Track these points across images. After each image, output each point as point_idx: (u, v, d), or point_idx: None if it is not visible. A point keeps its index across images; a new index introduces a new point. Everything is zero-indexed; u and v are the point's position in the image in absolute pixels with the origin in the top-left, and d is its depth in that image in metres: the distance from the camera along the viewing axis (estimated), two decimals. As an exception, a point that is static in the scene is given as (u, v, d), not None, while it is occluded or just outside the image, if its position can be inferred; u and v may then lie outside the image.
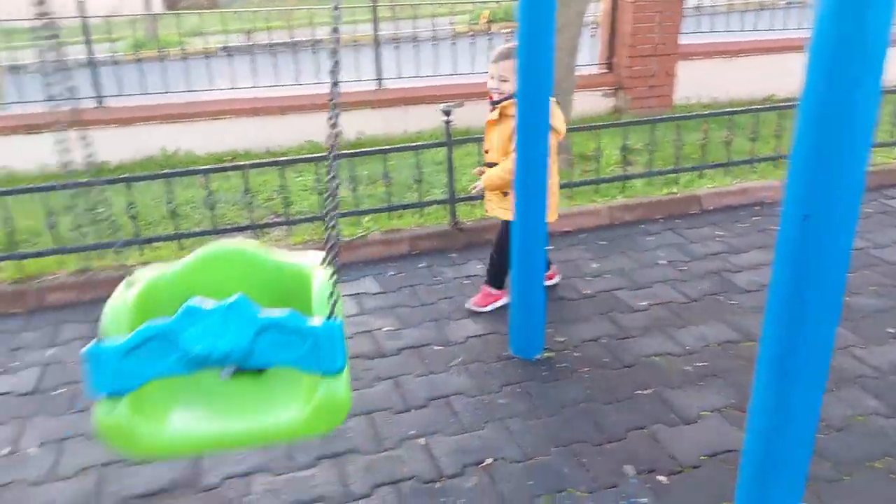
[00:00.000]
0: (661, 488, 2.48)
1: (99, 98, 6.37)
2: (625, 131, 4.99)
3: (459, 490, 2.51)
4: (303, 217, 4.56)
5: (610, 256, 4.29)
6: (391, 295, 3.95)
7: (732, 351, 3.30)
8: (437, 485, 2.54)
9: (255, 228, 4.44)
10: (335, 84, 1.68)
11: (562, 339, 3.41)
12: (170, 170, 5.28)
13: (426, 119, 6.80)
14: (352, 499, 2.50)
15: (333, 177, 1.71)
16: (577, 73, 5.65)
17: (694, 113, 5.41)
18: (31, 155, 6.09)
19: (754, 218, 4.77)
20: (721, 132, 5.34)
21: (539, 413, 2.90)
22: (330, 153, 1.70)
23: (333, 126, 1.69)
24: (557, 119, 3.30)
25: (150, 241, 4.28)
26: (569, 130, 4.94)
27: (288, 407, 1.70)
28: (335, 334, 1.61)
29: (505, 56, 3.31)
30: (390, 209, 4.62)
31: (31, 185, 4.42)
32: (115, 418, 1.60)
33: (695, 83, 7.45)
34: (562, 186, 4.79)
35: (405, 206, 4.68)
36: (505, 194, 3.45)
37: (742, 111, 5.32)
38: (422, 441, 2.77)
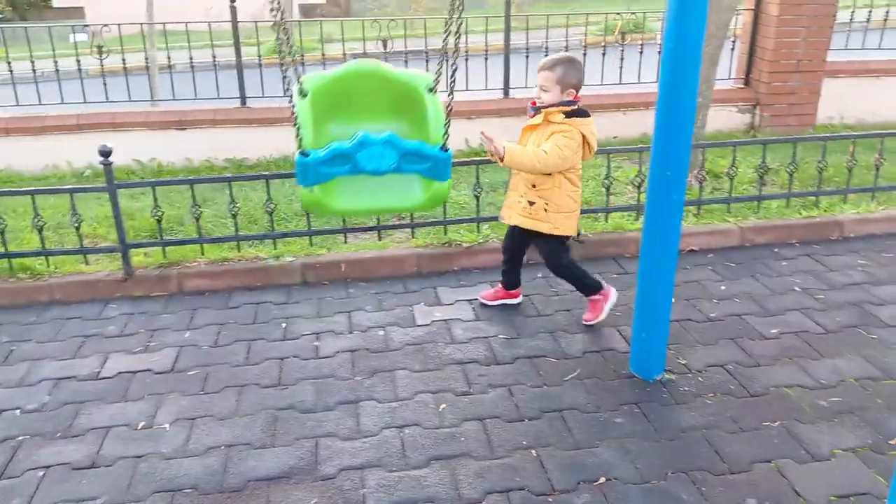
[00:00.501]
0: (786, 527, 2.35)
1: (242, 98, 6.73)
2: (762, 149, 4.76)
3: (571, 506, 2.47)
4: (425, 221, 4.61)
5: (740, 279, 4.10)
6: (508, 304, 3.95)
7: (871, 388, 3.08)
8: (549, 498, 2.51)
9: (380, 230, 4.56)
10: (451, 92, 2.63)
11: (684, 362, 3.30)
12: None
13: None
14: (463, 503, 2.51)
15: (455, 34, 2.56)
16: (713, 87, 5.46)
17: (842, 133, 5.09)
18: (179, 149, 6.52)
19: (902, 248, 4.44)
20: (868, 155, 5.01)
21: (657, 436, 2.81)
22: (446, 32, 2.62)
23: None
24: (594, 137, 3.41)
25: (284, 235, 4.47)
26: (703, 146, 4.80)
27: (412, 191, 2.76)
28: (448, 160, 2.64)
29: (547, 67, 3.33)
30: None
31: (179, 178, 4.72)
32: (314, 197, 2.61)
33: (839, 102, 7.02)
34: (691, 203, 4.66)
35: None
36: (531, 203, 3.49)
37: (893, 133, 4.97)
38: (534, 452, 2.75)
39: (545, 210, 3.46)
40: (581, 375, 3.24)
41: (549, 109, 3.35)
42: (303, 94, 2.65)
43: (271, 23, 2.52)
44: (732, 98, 6.91)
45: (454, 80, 2.61)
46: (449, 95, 2.64)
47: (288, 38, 2.58)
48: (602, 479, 2.59)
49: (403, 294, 4.10)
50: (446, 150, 2.62)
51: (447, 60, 2.64)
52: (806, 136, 5.18)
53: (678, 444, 2.76)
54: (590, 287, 3.65)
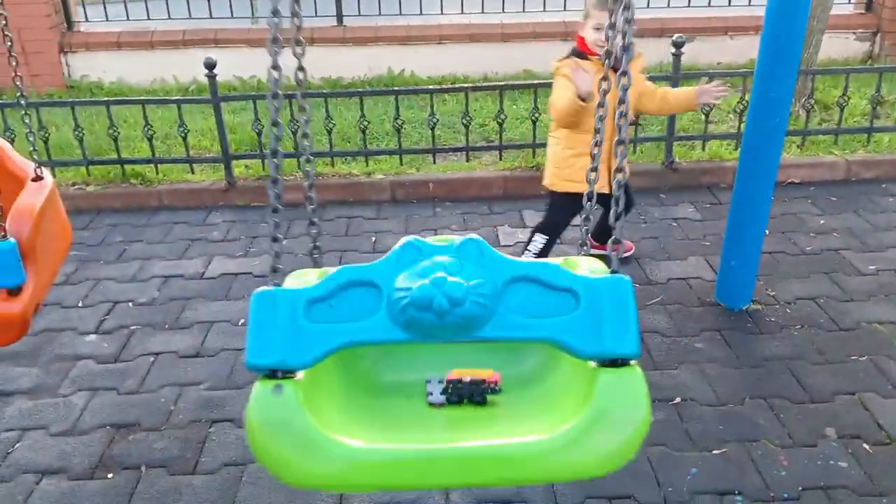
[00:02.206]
0: (864, 456, 2.34)
1: (339, 17, 6.78)
2: (878, 78, 4.47)
3: (645, 422, 2.52)
4: (513, 143, 4.62)
5: (841, 214, 3.94)
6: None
7: (972, 330, 2.95)
8: (623, 413, 2.57)
9: (469, 150, 4.59)
10: None
11: (773, 293, 3.24)
12: (397, 88, 5.56)
13: (651, 52, 6.52)
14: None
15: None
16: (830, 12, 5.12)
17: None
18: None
19: None
20: None
21: (738, 363, 2.81)
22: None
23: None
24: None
25: (376, 153, 4.57)
26: (813, 72, 4.56)
27: (545, 418, 1.16)
28: (622, 293, 1.06)
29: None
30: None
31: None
32: (280, 411, 1.09)
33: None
34: (795, 133, 4.46)
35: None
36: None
37: None
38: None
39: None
40: (664, 301, 3.24)
41: (635, 62, 3.00)
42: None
43: None
44: (851, 24, 6.46)
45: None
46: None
47: None
48: (678, 399, 2.62)
49: (489, 215, 4.15)
50: (615, 272, 1.19)
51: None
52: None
53: (759, 371, 2.75)
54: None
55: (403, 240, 1.17)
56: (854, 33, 6.50)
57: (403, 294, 1.07)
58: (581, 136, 2.92)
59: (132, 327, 3.18)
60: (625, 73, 1.33)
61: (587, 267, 1.23)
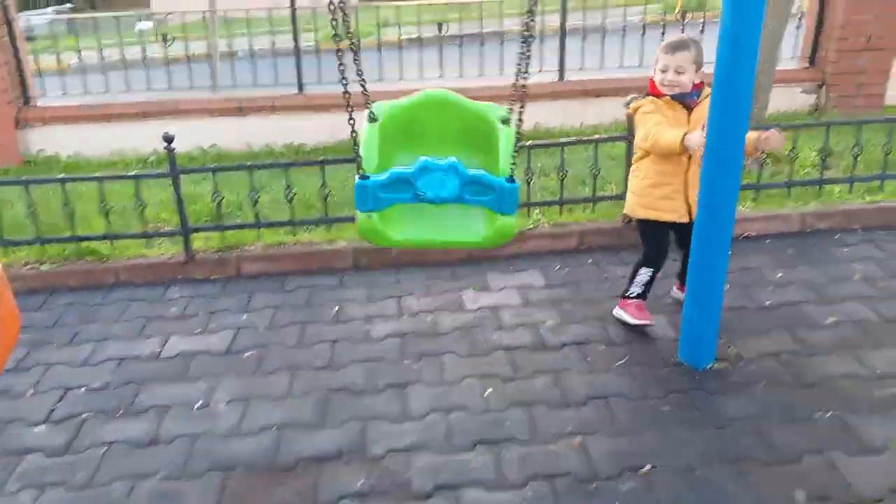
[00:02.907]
0: (835, 520, 2.31)
1: (300, 85, 6.85)
2: (826, 132, 4.60)
3: (615, 493, 2.48)
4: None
5: (798, 266, 4.00)
6: (556, 289, 3.95)
7: (932, 381, 2.98)
8: (593, 485, 2.52)
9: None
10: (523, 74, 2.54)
11: (735, 351, 3.24)
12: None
13: (605, 112, 6.69)
14: (506, 487, 2.54)
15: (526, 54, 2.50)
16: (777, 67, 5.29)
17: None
18: (238, 135, 6.69)
19: (973, 235, 4.25)
20: (940, 137, 4.77)
21: (705, 425, 2.79)
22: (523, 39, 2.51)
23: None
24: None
25: (338, 220, 4.54)
26: (763, 128, 4.66)
27: (476, 226, 2.56)
28: (515, 191, 2.44)
29: (683, 46, 3.18)
30: (562, 202, 4.60)
31: (239, 163, 4.85)
32: (371, 224, 2.47)
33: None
34: (749, 187, 4.55)
35: (577, 201, 4.64)
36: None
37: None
38: (578, 439, 2.76)
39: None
40: (629, 363, 3.22)
41: (701, 99, 3.23)
42: (372, 119, 2.58)
43: (328, 5, 2.34)
44: (797, 78, 6.69)
45: (523, 108, 2.51)
46: (518, 124, 2.53)
47: (345, 21, 2.50)
48: (647, 467, 2.58)
49: (452, 280, 4.13)
50: (513, 182, 2.45)
51: (517, 89, 2.51)
52: (872, 117, 4.98)
53: (726, 432, 2.73)
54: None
55: (421, 159, 2.39)
56: (800, 86, 6.72)
57: (422, 193, 2.40)
58: (658, 167, 3.29)
59: (84, 415, 3.07)
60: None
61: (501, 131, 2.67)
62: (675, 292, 3.70)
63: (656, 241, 3.45)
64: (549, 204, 4.61)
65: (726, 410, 2.86)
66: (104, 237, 4.40)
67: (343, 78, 2.49)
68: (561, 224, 4.49)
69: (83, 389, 3.25)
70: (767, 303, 3.65)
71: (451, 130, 2.67)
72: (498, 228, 2.50)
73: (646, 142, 3.22)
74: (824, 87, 6.68)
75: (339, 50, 2.44)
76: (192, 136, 6.54)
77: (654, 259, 3.46)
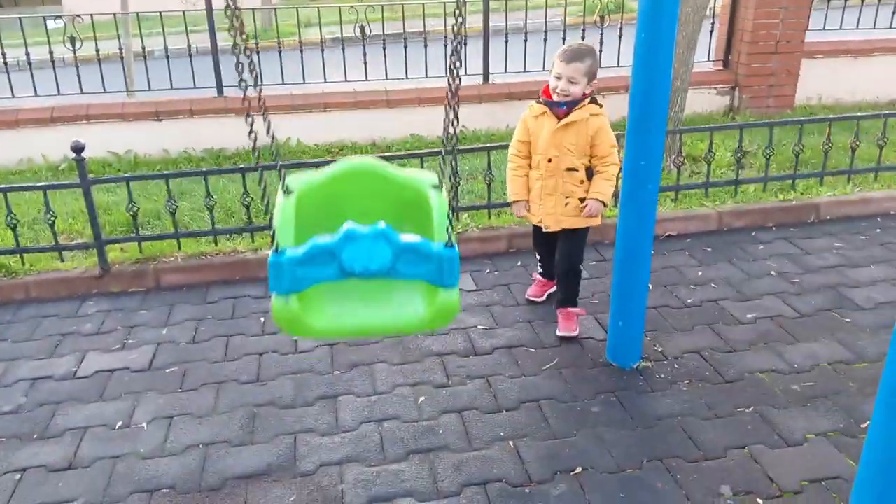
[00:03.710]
0: (759, 513, 2.39)
1: (219, 88, 6.66)
2: (741, 133, 4.77)
3: (548, 497, 2.49)
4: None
5: (716, 264, 4.13)
6: (486, 293, 3.96)
7: (844, 372, 3.12)
8: (526, 489, 2.53)
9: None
10: (455, 77, 2.04)
11: (660, 349, 3.32)
12: (281, 160, 5.48)
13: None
14: (440, 496, 2.52)
15: (453, 117, 2.05)
16: (692, 70, 5.45)
17: (819, 116, 5.11)
18: (155, 140, 6.46)
19: (876, 230, 4.48)
20: (845, 137, 5.03)
21: (633, 424, 2.84)
22: (450, 93, 2.04)
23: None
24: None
25: (261, 228, 4.44)
26: (680, 131, 4.80)
27: (412, 306, 2.19)
28: (454, 259, 2.06)
29: (578, 57, 3.17)
30: (489, 207, 4.62)
31: (155, 172, 4.67)
32: (287, 310, 2.05)
33: (818, 83, 7.05)
34: (668, 188, 4.67)
35: (505, 204, 4.66)
36: (581, 200, 3.33)
37: (870, 116, 5.00)
38: (511, 444, 2.77)
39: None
40: (559, 365, 3.26)
41: (586, 105, 3.24)
42: (287, 191, 2.22)
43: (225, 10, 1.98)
44: (711, 80, 6.92)
45: (456, 164, 2.25)
46: (455, 90, 2.08)
47: (239, 21, 1.97)
48: (578, 469, 2.61)
49: (382, 285, 4.09)
50: (452, 247, 2.07)
51: (445, 144, 2.17)
52: (782, 119, 5.19)
53: (653, 431, 2.79)
54: (576, 297, 3.53)
55: (345, 226, 1.97)
56: (715, 88, 6.95)
57: (347, 266, 1.97)
58: (530, 173, 3.41)
59: (-6, 440, 2.90)
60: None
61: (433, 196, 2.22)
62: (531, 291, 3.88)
63: (535, 236, 3.67)
64: (478, 208, 4.62)
65: (653, 409, 2.92)
66: (12, 251, 4.17)
67: (242, 80, 2.03)
68: (490, 227, 4.51)
69: (-8, 414, 3.08)
70: (689, 301, 3.75)
71: (377, 204, 2.29)
72: (440, 306, 2.12)
73: (508, 157, 3.47)
74: (737, 89, 6.93)
75: (234, 50, 1.95)
76: (106, 141, 6.29)
77: (536, 247, 3.78)
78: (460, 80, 2.03)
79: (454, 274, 2.09)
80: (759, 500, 2.43)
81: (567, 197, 3.31)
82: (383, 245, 2.01)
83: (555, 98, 3.24)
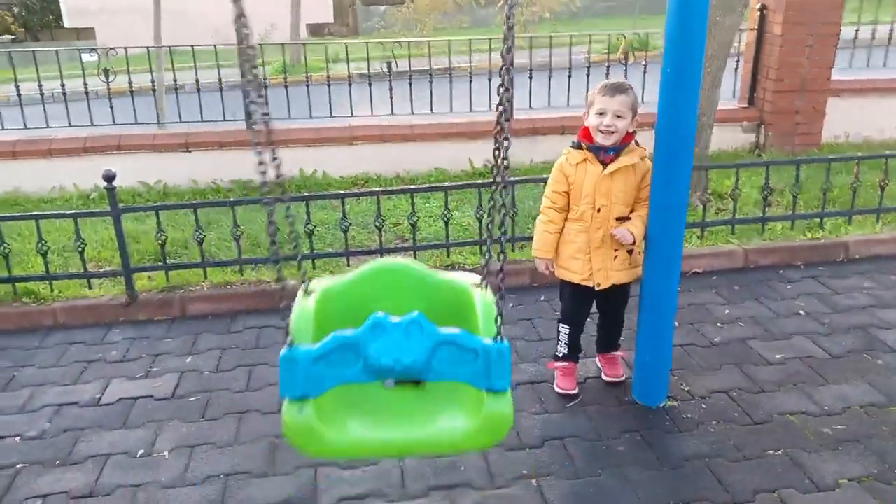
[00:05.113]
0: (790, 560, 2.32)
1: (248, 120, 6.76)
2: (767, 170, 4.74)
3: (571, 538, 2.44)
4: (427, 244, 4.62)
5: (744, 303, 4.07)
6: (509, 327, 3.90)
7: (876, 416, 3.04)
8: (549, 530, 2.49)
9: (383, 251, 4.55)
10: (503, 112, 1.73)
11: (687, 389, 3.27)
12: (307, 191, 5.55)
13: (552, 150, 6.76)
14: (461, 534, 2.48)
15: (501, 204, 1.83)
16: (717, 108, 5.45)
17: (846, 154, 5.07)
18: (185, 171, 6.56)
19: (908, 270, 4.41)
20: (874, 175, 4.97)
21: (660, 464, 2.78)
22: (494, 178, 1.79)
23: (499, 153, 1.77)
24: None
25: (286, 259, 4.45)
26: (706, 167, 4.79)
27: (453, 418, 1.80)
28: (505, 354, 1.71)
29: (622, 90, 2.97)
30: (513, 240, 4.61)
31: (183, 202, 4.73)
32: (303, 420, 1.69)
33: (845, 121, 7.00)
34: (694, 225, 4.64)
35: (529, 238, 4.65)
36: (630, 252, 3.12)
37: (899, 154, 4.94)
38: (534, 482, 2.72)
39: (639, 253, 3.12)
40: (583, 402, 3.21)
41: (637, 148, 3.06)
42: (307, 292, 1.96)
43: (237, 43, 1.68)
44: (737, 117, 6.90)
45: (503, 239, 1.84)
46: (502, 122, 1.76)
47: (252, 59, 1.71)
48: (603, 510, 2.56)
49: (406, 318, 4.08)
50: (502, 342, 1.72)
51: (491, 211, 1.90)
52: (810, 157, 5.16)
53: (681, 473, 2.73)
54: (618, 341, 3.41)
55: (372, 317, 1.69)
56: (740, 125, 6.93)
57: (375, 362, 1.66)
58: (569, 223, 3.14)
59: (18, 466, 2.91)
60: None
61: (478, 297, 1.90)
62: (597, 361, 3.47)
63: (570, 300, 3.26)
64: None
65: (681, 450, 2.86)
66: (42, 278, 4.23)
67: (250, 115, 1.86)
68: (513, 261, 4.50)
69: (17, 438, 3.09)
70: (716, 339, 3.70)
71: (410, 306, 1.83)
72: (488, 416, 1.73)
73: (541, 209, 3.20)
74: (763, 126, 6.90)
75: (245, 86, 1.77)
76: (137, 171, 6.39)
77: (568, 317, 3.29)
78: (511, 115, 1.85)
79: (505, 374, 1.71)
80: (790, 547, 2.36)
81: (616, 250, 3.08)
82: (417, 336, 1.67)
83: (597, 139, 3.00)
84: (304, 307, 1.88)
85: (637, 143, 3.10)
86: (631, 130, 3.05)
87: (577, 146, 3.10)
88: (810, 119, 6.84)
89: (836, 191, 5.02)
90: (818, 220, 4.82)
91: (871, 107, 7.11)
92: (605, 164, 3.03)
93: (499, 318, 1.74)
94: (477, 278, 1.96)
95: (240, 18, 1.60)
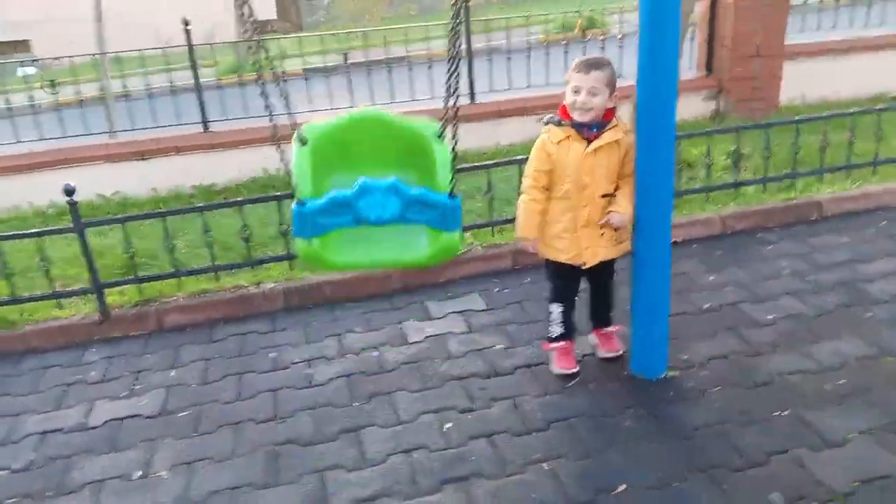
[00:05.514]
0: (813, 519, 2.32)
1: (205, 123, 6.58)
2: (736, 136, 4.76)
3: (593, 518, 2.41)
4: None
5: (727, 268, 4.09)
6: (499, 312, 3.89)
7: (873, 368, 3.07)
8: (569, 512, 2.45)
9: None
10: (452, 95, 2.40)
11: (685, 358, 3.26)
12: (273, 191, 5.41)
13: (517, 132, 6.75)
14: (481, 526, 2.43)
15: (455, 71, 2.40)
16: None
17: (814, 115, 5.11)
18: (142, 180, 6.35)
19: (881, 223, 4.48)
20: (837, 135, 5.04)
21: (669, 436, 2.77)
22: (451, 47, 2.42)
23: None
24: None
25: (262, 262, 4.34)
26: (678, 136, 4.77)
27: (418, 245, 2.54)
28: (457, 208, 2.42)
29: (597, 66, 2.92)
30: (492, 224, 4.56)
31: (150, 211, 4.58)
32: (312, 250, 2.41)
33: (801, 83, 7.12)
34: (671, 196, 4.63)
35: (508, 221, 4.60)
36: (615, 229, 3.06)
37: (864, 111, 5.01)
38: (546, 465, 2.68)
39: (625, 229, 3.06)
40: (583, 381, 3.18)
41: (617, 125, 2.99)
42: (302, 141, 2.46)
43: (246, 40, 2.24)
44: (697, 86, 6.96)
45: (458, 122, 2.41)
46: (453, 138, 2.44)
47: (265, 51, 2.43)
48: (620, 487, 2.53)
49: (391, 311, 4.01)
50: (454, 198, 2.40)
51: (448, 96, 2.40)
52: (780, 120, 5.20)
53: (692, 442, 2.72)
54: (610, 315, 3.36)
55: (360, 179, 2.34)
56: (700, 94, 6.98)
57: (362, 215, 2.33)
58: (554, 203, 3.09)
59: (7, 501, 2.76)
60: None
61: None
62: (591, 338, 3.41)
63: (559, 279, 3.23)
64: (481, 227, 4.56)
65: (688, 419, 2.85)
66: (10, 302, 4.04)
67: (268, 107, 2.42)
68: (493, 245, 4.45)
69: (5, 472, 2.94)
70: (706, 306, 3.70)
71: (385, 149, 2.59)
72: (441, 245, 2.47)
73: (522, 189, 3.12)
74: (722, 93, 6.97)
75: (259, 80, 2.42)
76: (93, 184, 6.16)
77: (558, 295, 3.25)
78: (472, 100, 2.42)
79: (457, 220, 2.42)
80: (811, 506, 2.36)
81: (602, 227, 3.04)
82: (394, 197, 2.32)
83: (575, 116, 2.95)
84: (300, 158, 2.42)
85: (618, 118, 3.05)
86: (610, 106, 2.99)
87: (558, 123, 3.04)
88: (767, 84, 6.93)
89: (802, 152, 5.07)
90: (790, 181, 4.87)
91: (824, 69, 7.23)
92: (588, 142, 2.98)
93: (452, 178, 2.42)
94: (436, 126, 2.57)
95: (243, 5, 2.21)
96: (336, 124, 2.54)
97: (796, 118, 4.79)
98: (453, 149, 2.46)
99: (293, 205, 2.33)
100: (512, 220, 4.54)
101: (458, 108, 2.40)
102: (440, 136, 2.55)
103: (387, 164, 2.57)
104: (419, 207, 2.36)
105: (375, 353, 3.58)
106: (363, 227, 2.38)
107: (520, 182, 4.40)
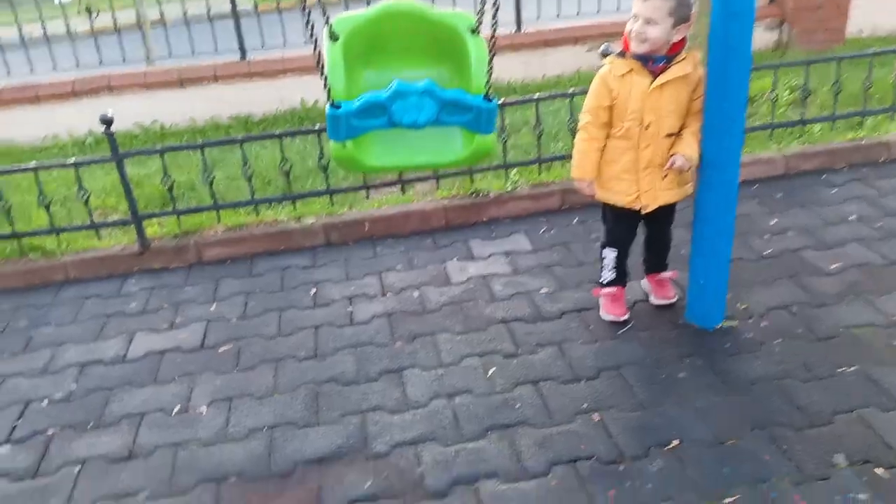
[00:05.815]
0: (880, 483, 2.18)
1: (242, 51, 6.41)
2: (805, 70, 4.43)
3: (645, 474, 2.30)
4: (450, 171, 4.35)
5: (790, 211, 3.87)
6: (544, 253, 3.74)
7: (947, 322, 2.88)
8: (620, 467, 2.34)
9: (403, 183, 4.31)
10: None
11: (744, 307, 3.09)
12: (311, 123, 5.27)
13: (566, 62, 6.46)
14: (527, 476, 2.34)
15: None
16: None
17: (888, 48, 4.73)
18: (180, 109, 6.24)
19: (957, 166, 4.19)
20: (912, 68, 4.69)
21: (727, 389, 2.63)
22: None
23: None
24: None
25: (303, 196, 4.23)
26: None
27: (452, 148, 2.49)
28: (493, 111, 2.34)
29: None
30: (540, 161, 4.37)
31: (188, 143, 4.47)
32: (346, 151, 2.36)
33: (869, 14, 6.65)
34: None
35: (556, 158, 4.41)
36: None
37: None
38: (596, 416, 2.57)
39: (689, 170, 2.84)
40: (634, 328, 3.05)
41: (685, 58, 2.72)
42: (333, 37, 2.30)
43: None
44: (759, 15, 6.52)
45: (496, 20, 2.26)
46: (492, 37, 2.30)
47: None
48: (674, 442, 2.41)
49: (434, 250, 3.89)
50: (490, 100, 2.32)
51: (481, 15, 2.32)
52: (850, 53, 4.84)
53: (750, 397, 2.58)
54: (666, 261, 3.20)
55: (394, 82, 2.24)
56: (763, 23, 6.58)
57: (397, 119, 2.27)
58: (612, 141, 2.88)
59: (49, 431, 2.76)
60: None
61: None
62: (644, 283, 3.26)
63: (615, 223, 3.05)
64: (527, 164, 4.37)
65: (746, 373, 2.71)
66: (48, 231, 4.00)
67: (311, 32, 2.24)
68: (541, 184, 4.27)
69: (45, 402, 2.93)
70: (766, 252, 3.51)
71: (417, 43, 2.46)
72: (476, 147, 2.42)
73: (579, 125, 2.91)
74: (785, 24, 6.55)
75: (304, 7, 2.20)
76: (130, 113, 6.07)
77: (613, 240, 3.08)
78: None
79: (491, 123, 2.36)
80: (878, 470, 2.22)
81: (665, 170, 2.82)
82: (429, 100, 2.24)
83: (631, 46, 2.71)
84: (332, 56, 2.29)
85: (689, 49, 2.79)
86: (676, 39, 2.71)
87: (620, 55, 2.81)
88: (834, 15, 6.50)
89: (875, 87, 4.74)
90: (858, 119, 4.56)
91: (895, -2, 6.74)
92: (654, 76, 2.74)
93: (488, 79, 2.30)
94: (472, 19, 2.38)
95: None
96: (367, 16, 2.38)
97: (870, 51, 4.45)
98: (491, 48, 2.30)
99: (327, 107, 2.25)
100: (560, 158, 4.37)
101: (498, 5, 2.23)
102: (475, 31, 2.38)
103: (420, 59, 2.48)
104: (454, 110, 2.30)
105: (417, 293, 3.48)
106: (397, 128, 2.33)
107: (569, 117, 4.22)
